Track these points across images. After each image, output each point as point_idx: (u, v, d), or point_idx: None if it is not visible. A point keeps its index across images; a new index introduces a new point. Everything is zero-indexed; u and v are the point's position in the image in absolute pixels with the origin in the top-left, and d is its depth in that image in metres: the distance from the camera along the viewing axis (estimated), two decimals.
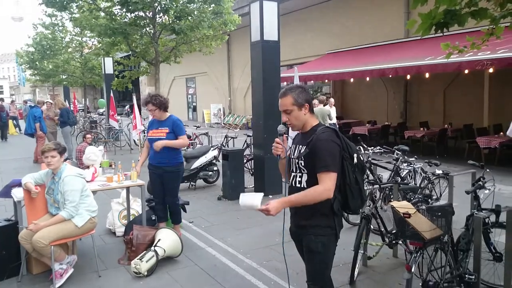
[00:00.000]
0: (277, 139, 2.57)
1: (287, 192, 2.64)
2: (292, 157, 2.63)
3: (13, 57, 45.58)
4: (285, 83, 13.08)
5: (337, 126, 12.47)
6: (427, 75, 11.67)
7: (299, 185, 2.56)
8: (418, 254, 3.22)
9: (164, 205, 5.20)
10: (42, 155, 3.95)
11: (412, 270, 3.14)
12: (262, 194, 2.39)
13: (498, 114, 11.95)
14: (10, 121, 21.72)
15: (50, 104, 12.81)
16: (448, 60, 9.52)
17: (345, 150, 2.50)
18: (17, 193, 4.33)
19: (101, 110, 24.97)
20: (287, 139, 2.69)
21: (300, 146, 2.57)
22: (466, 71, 10.54)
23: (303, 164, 2.51)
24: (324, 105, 11.57)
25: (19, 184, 4.30)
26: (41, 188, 4.19)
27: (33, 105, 12.04)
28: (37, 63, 24.54)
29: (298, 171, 2.57)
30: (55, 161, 3.94)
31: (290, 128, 2.65)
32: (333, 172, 2.41)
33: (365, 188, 4.56)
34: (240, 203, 2.39)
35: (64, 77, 25.13)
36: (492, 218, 3.67)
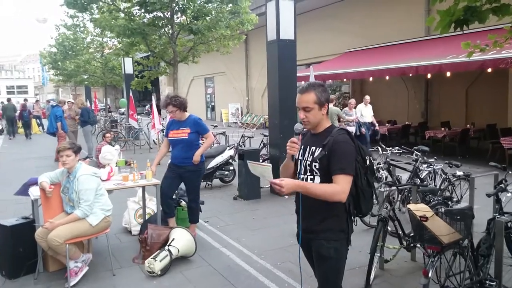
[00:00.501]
0: (293, 139, 2.45)
1: (301, 195, 2.53)
2: (302, 158, 2.53)
3: (37, 57, 46.71)
4: (302, 82, 12.97)
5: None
6: (448, 74, 11.39)
7: None
8: (436, 258, 3.11)
9: (170, 201, 5.22)
10: (57, 154, 4.00)
11: (429, 275, 3.04)
12: (270, 165, 2.33)
13: None
14: (34, 120, 22.32)
15: (71, 103, 13.06)
16: (470, 58, 9.38)
17: (358, 153, 2.44)
18: (34, 192, 4.39)
19: (122, 110, 25.34)
20: (303, 138, 2.63)
21: (313, 148, 2.47)
22: (489, 70, 10.25)
23: (317, 167, 2.42)
24: (334, 105, 11.40)
25: (36, 183, 4.37)
26: (57, 187, 4.24)
27: (55, 104, 12.26)
28: (59, 63, 25.08)
29: (309, 174, 2.47)
30: (70, 160, 3.98)
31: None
32: (350, 175, 2.33)
33: (383, 189, 4.50)
34: (250, 169, 2.38)
35: (85, 77, 25.59)
36: None
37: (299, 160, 2.57)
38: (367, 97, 11.58)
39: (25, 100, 22.69)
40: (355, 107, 11.39)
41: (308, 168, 2.47)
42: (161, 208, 5.36)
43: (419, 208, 3.24)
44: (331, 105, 10.87)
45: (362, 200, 2.48)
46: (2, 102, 25.09)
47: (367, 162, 2.49)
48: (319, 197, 2.29)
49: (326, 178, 2.38)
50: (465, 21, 3.38)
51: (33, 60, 78.95)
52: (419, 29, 13.77)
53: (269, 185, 7.86)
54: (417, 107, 15.30)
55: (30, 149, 15.27)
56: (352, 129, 10.73)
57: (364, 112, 11.49)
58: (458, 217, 3.18)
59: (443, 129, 12.10)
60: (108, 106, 30.40)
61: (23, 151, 14.93)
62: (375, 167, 6.06)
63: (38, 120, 22.77)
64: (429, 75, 12.97)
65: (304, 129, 2.57)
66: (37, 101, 27.70)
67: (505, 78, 11.83)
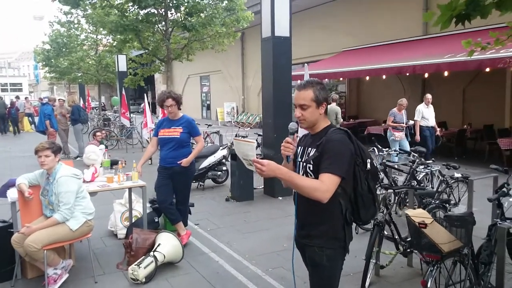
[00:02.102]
0: (287, 139, 2.31)
1: (297, 195, 2.36)
2: (299, 160, 2.40)
3: (32, 55, 46.31)
4: (298, 81, 12.78)
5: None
6: (446, 73, 11.23)
7: None
8: (435, 268, 2.93)
9: (171, 207, 4.99)
10: (35, 154, 3.78)
11: (428, 285, 2.86)
12: (255, 143, 2.20)
13: None
14: (26, 118, 22.07)
15: (62, 101, 12.82)
16: (468, 58, 9.24)
17: (358, 155, 2.27)
18: (12, 194, 4.16)
19: (116, 108, 25.06)
20: (298, 138, 2.48)
21: (309, 149, 2.34)
22: (488, 69, 10.10)
23: (311, 169, 2.28)
24: (336, 104, 11.07)
25: (14, 184, 4.14)
26: (36, 189, 4.02)
27: (44, 102, 12.03)
28: (52, 60, 24.77)
29: (304, 175, 2.32)
30: (49, 160, 3.76)
31: (299, 126, 2.43)
32: (337, 176, 2.14)
33: (379, 192, 4.32)
34: (235, 148, 2.27)
35: (79, 74, 25.29)
36: None
37: (297, 162, 2.42)
38: (429, 96, 9.46)
39: (17, 97, 22.43)
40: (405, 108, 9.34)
41: (304, 170, 2.35)
42: (149, 211, 5.17)
43: (418, 214, 3.06)
44: (333, 104, 10.42)
45: (361, 207, 2.31)
46: None
47: (368, 165, 2.32)
48: (299, 190, 2.15)
49: None
50: (466, 16, 3.22)
51: (28, 57, 78.33)
52: (417, 28, 13.63)
53: (263, 186, 7.67)
54: (413, 107, 15.12)
55: (20, 148, 15.00)
56: (400, 135, 8.96)
57: (426, 114, 9.35)
58: (458, 223, 3.00)
59: (439, 129, 11.93)
60: (102, 104, 30.07)
61: (13, 149, 14.67)
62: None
63: (30, 118, 22.48)
64: (426, 75, 12.82)
65: (297, 130, 2.41)
66: (26, 98, 27.36)
67: (503, 78, 11.70)
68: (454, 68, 9.97)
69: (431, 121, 9.41)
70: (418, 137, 9.07)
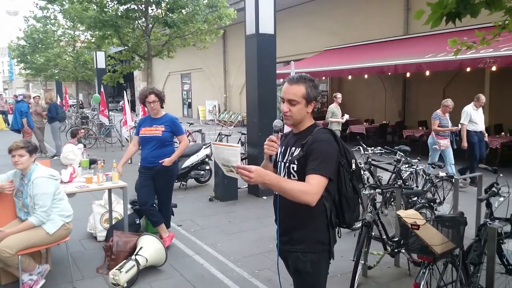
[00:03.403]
0: (271, 137, 2.16)
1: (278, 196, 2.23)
2: (281, 160, 2.26)
3: (6, 51, 44.87)
4: (281, 80, 12.70)
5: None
6: (427, 73, 11.34)
7: None
8: (427, 270, 2.87)
9: (153, 208, 4.81)
10: (9, 154, 3.56)
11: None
12: (239, 147, 2.00)
13: (499, 114, 11.67)
14: (0, 116, 21.35)
15: (38, 98, 12.39)
16: (449, 57, 9.36)
17: (343, 155, 2.16)
18: None
19: (94, 106, 24.48)
20: (282, 137, 2.35)
21: (293, 148, 2.21)
22: (468, 69, 10.25)
23: (295, 169, 2.15)
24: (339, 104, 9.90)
25: None
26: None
27: (19, 99, 11.58)
28: (28, 56, 24.03)
29: (286, 176, 2.20)
30: (24, 160, 3.55)
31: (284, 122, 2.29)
32: (325, 177, 2.03)
33: (366, 192, 4.26)
34: (214, 155, 2.05)
35: (56, 71, 24.61)
36: (506, 228, 3.34)
37: (278, 162, 2.28)
38: (482, 98, 7.93)
39: None
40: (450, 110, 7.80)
41: (286, 170, 2.21)
42: (130, 212, 4.99)
43: (409, 215, 2.99)
44: (334, 104, 9.61)
45: (346, 209, 2.21)
46: None
47: (353, 166, 2.22)
48: (286, 194, 1.98)
49: (304, 181, 2.08)
50: (457, 14, 3.23)
51: (2, 53, 76.02)
52: (398, 28, 13.74)
53: (247, 186, 7.55)
54: (394, 106, 15.29)
55: None
56: (446, 143, 7.67)
57: (475, 117, 7.91)
58: (450, 224, 2.95)
59: (420, 128, 12.07)
60: (80, 102, 29.35)
61: None
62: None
63: (4, 116, 21.76)
64: (408, 74, 12.95)
65: (283, 127, 2.29)
66: (0, 95, 26.49)
67: (482, 78, 11.91)
68: (435, 68, 10.06)
69: (480, 126, 7.98)
70: (465, 144, 7.81)
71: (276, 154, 2.24)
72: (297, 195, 1.96)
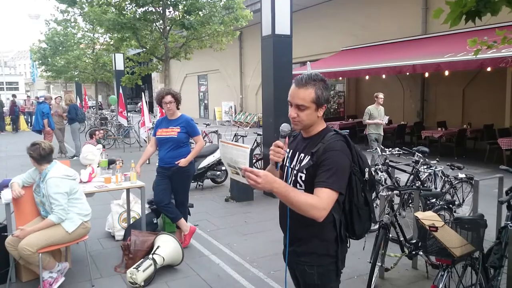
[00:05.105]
0: (278, 142, 1.99)
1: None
2: (289, 165, 2.10)
3: (28, 54, 45.99)
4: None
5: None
6: (446, 73, 11.16)
7: None
8: (446, 272, 2.83)
9: (170, 205, 4.85)
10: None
11: None
12: (249, 148, 1.90)
13: None
14: (22, 117, 21.98)
15: (59, 99, 12.65)
16: (469, 57, 9.18)
17: (355, 163, 2.00)
18: (6, 195, 3.99)
19: (113, 107, 24.85)
20: (290, 139, 2.21)
21: (302, 155, 2.05)
22: (489, 69, 10.03)
23: (303, 178, 2.00)
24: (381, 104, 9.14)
25: (8, 185, 4.01)
26: (29, 189, 3.88)
27: (41, 101, 11.84)
28: (49, 59, 24.58)
29: (292, 184, 2.05)
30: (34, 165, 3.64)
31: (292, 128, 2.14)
32: (336, 192, 1.88)
33: (384, 193, 4.21)
34: (221, 154, 1.96)
35: (75, 73, 25.11)
36: None
37: (285, 167, 2.13)
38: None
39: (14, 96, 22.24)
40: None
41: (293, 178, 2.06)
42: (147, 212, 5.05)
43: (427, 217, 2.95)
44: (374, 105, 8.90)
45: (356, 221, 2.06)
46: None
47: (366, 175, 2.06)
48: (293, 206, 1.84)
49: (311, 192, 1.94)
50: (477, 12, 3.15)
51: (24, 56, 77.88)
52: (417, 28, 13.55)
53: None
54: (412, 106, 15.08)
55: (16, 147, 14.83)
56: None
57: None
58: (469, 226, 2.89)
59: (439, 129, 11.87)
60: (99, 103, 29.82)
61: (8, 148, 14.50)
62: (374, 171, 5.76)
63: (26, 117, 22.39)
64: (426, 74, 12.76)
65: (294, 132, 2.15)
66: (28, 96, 27.27)
67: (503, 78, 11.65)
68: (455, 68, 9.88)
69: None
70: None
71: (283, 158, 2.07)
72: (304, 208, 1.82)
